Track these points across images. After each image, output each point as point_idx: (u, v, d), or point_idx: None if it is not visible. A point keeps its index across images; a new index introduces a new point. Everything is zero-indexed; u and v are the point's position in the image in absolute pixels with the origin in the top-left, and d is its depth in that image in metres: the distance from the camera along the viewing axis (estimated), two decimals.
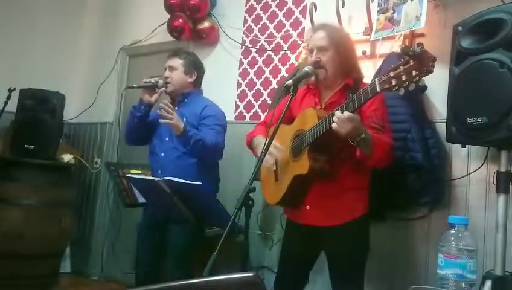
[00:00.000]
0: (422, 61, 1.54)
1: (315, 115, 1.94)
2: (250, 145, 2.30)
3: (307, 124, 1.96)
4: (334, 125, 1.76)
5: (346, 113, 1.74)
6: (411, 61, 1.56)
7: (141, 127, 2.72)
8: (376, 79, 1.67)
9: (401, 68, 1.59)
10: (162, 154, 2.64)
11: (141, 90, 2.71)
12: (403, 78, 1.58)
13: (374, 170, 2.03)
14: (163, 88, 2.67)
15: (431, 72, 1.54)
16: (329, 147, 1.92)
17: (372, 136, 1.82)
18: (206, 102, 2.73)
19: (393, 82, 1.60)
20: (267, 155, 1.99)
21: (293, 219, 2.16)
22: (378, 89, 1.66)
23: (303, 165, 1.94)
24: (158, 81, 2.68)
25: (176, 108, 2.60)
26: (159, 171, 2.56)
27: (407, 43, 2.51)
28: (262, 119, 3.18)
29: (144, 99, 2.68)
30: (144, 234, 2.69)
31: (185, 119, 2.59)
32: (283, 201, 2.10)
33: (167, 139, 2.64)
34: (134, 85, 2.79)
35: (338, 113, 1.76)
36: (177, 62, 2.70)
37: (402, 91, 1.60)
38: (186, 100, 2.70)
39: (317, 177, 1.96)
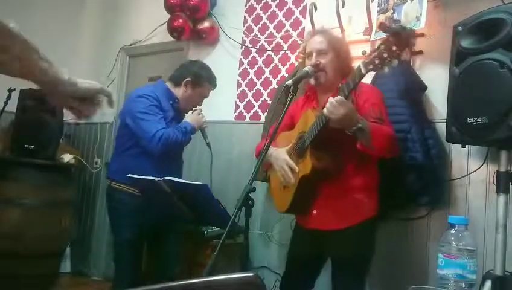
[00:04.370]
0: (400, 36, 1.60)
1: (313, 114, 1.96)
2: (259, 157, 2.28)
3: (308, 124, 1.96)
4: (325, 110, 1.78)
5: (338, 98, 1.76)
6: (390, 38, 1.62)
7: None
8: (361, 62, 1.73)
9: (382, 47, 1.64)
10: None
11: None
12: (385, 55, 1.63)
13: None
14: None
15: (413, 44, 1.58)
16: (330, 143, 1.91)
17: (369, 124, 1.82)
18: None
19: (377, 61, 1.66)
20: (286, 173, 1.98)
21: (301, 222, 2.15)
22: (363, 71, 1.71)
23: (306, 165, 1.93)
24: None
25: None
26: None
27: None
28: (262, 119, 3.19)
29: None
30: (130, 247, 2.51)
31: None
32: (292, 207, 2.05)
33: None
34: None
35: (330, 99, 1.78)
36: None
37: (386, 69, 1.65)
38: None
39: (321, 177, 1.95)
